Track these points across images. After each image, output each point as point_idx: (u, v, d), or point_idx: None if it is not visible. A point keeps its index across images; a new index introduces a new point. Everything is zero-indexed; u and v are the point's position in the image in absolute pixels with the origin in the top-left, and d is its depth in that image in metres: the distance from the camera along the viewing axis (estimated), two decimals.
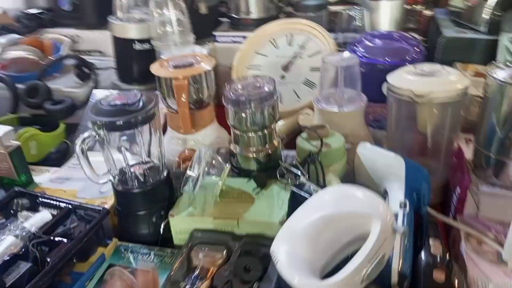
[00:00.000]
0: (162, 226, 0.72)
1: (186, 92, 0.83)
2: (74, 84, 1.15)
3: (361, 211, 0.56)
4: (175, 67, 0.88)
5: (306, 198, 0.70)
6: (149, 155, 0.75)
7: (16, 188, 0.77)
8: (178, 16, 1.03)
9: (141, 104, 0.67)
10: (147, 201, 0.72)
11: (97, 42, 1.35)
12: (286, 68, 1.06)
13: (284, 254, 0.55)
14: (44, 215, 0.70)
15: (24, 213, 0.71)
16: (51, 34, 1.33)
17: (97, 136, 0.68)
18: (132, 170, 0.75)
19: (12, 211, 0.73)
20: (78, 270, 0.67)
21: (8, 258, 0.63)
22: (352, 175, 0.79)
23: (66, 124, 1.05)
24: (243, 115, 0.74)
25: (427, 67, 0.79)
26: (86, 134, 0.68)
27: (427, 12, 1.37)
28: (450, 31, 1.13)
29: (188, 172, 0.73)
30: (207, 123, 0.92)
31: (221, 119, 0.86)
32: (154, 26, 1.04)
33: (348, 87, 0.84)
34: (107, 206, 0.75)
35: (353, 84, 0.84)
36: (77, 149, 0.68)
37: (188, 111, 0.85)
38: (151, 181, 0.73)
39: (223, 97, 0.77)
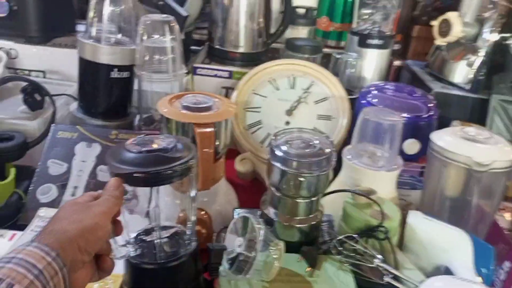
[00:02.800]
0: None
1: (213, 141, 0.67)
2: (21, 114, 0.89)
3: None
4: (188, 108, 0.71)
5: (372, 282, 0.60)
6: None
7: None
8: (172, 43, 0.86)
9: (178, 150, 0.52)
10: (173, 280, 0.55)
11: (41, 60, 1.09)
12: (290, 113, 0.95)
13: None
14: None
15: None
16: None
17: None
18: (155, 239, 0.57)
19: None
20: None
21: None
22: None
23: (15, 168, 0.80)
24: (299, 178, 0.61)
25: (472, 131, 0.74)
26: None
27: (396, 62, 1.38)
28: (437, 86, 1.13)
29: (231, 248, 0.57)
30: (218, 178, 0.76)
31: None
32: (141, 51, 0.86)
33: (389, 147, 0.76)
34: None
35: (393, 145, 0.76)
36: None
37: (211, 164, 0.69)
38: (181, 253, 0.56)
39: (269, 151, 0.63)
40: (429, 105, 0.93)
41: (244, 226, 0.60)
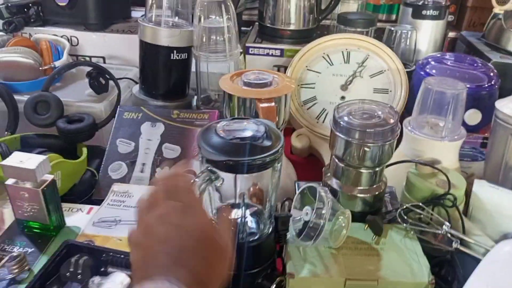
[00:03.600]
0: None
1: (274, 116, 0.69)
2: (88, 97, 0.95)
3: None
4: (249, 84, 0.73)
5: (440, 249, 0.60)
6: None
7: (68, 241, 0.57)
8: (228, 23, 0.88)
9: (268, 138, 0.52)
10: (255, 257, 0.57)
11: (100, 46, 1.14)
12: (345, 88, 0.95)
13: None
14: (121, 280, 0.53)
15: (96, 280, 0.52)
16: (42, 34, 1.10)
17: (213, 178, 0.51)
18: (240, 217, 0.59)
19: (68, 274, 0.54)
20: None
21: None
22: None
23: (87, 148, 0.85)
24: (364, 148, 0.62)
25: None
26: (202, 178, 0.50)
27: (451, 34, 1.34)
28: (495, 56, 1.09)
29: (298, 216, 0.59)
30: None
31: None
32: (198, 33, 0.88)
33: (452, 118, 0.75)
34: None
35: (456, 114, 0.75)
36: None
37: None
38: (261, 231, 0.58)
39: (332, 122, 0.64)
40: (490, 74, 0.90)
41: (310, 196, 0.61)
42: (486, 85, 0.88)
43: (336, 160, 0.67)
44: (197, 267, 0.37)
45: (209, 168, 0.50)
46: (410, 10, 1.12)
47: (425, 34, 1.13)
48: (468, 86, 0.87)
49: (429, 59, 0.94)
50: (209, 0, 0.86)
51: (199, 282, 0.37)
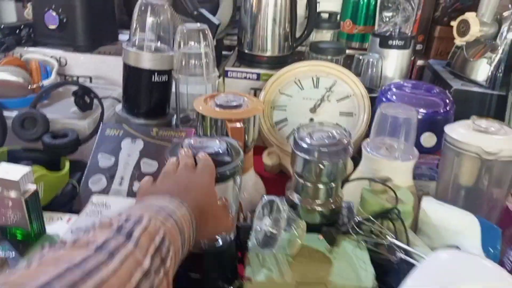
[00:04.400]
0: None
1: (242, 136, 0.76)
2: (73, 114, 1.01)
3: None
4: (221, 106, 0.80)
5: (385, 259, 0.67)
6: None
7: (48, 243, 0.63)
8: (206, 49, 0.95)
9: (229, 154, 0.59)
10: (216, 263, 0.63)
11: (87, 67, 1.21)
12: (313, 110, 1.02)
13: None
14: None
15: None
16: (32, 55, 1.17)
17: None
18: None
19: None
20: None
21: None
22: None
23: (69, 161, 0.90)
24: (320, 165, 0.69)
25: (484, 123, 0.80)
26: None
27: (419, 62, 1.43)
28: (457, 84, 1.18)
29: (259, 226, 0.65)
30: (247, 169, 0.85)
31: None
32: (178, 57, 0.95)
33: (404, 139, 0.82)
34: None
35: (408, 137, 0.82)
36: None
37: None
38: (223, 238, 0.64)
39: (292, 142, 0.71)
40: (446, 101, 0.98)
41: (270, 208, 0.68)
42: (442, 111, 0.96)
43: (297, 177, 0.73)
44: (197, 209, 0.52)
45: None
46: (377, 40, 1.21)
47: (392, 62, 1.22)
48: (424, 111, 0.96)
49: (391, 86, 1.02)
50: (189, 28, 0.94)
51: (198, 216, 0.51)
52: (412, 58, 1.39)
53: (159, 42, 1.00)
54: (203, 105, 0.79)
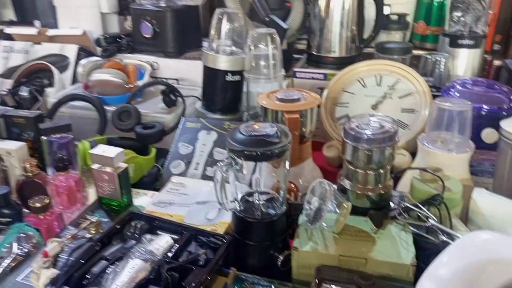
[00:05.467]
0: (280, 258, 0.71)
1: (298, 126, 0.84)
2: (160, 109, 1.17)
3: None
4: (281, 100, 0.89)
5: (429, 241, 0.71)
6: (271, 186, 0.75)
7: (133, 210, 0.77)
8: (273, 51, 1.05)
9: (278, 137, 0.68)
10: (268, 232, 0.72)
11: (175, 70, 1.38)
12: (375, 107, 1.07)
13: None
14: (167, 239, 0.70)
15: (148, 236, 0.71)
16: (130, 60, 1.36)
17: (233, 164, 0.68)
18: (256, 200, 0.75)
19: (129, 233, 0.73)
20: None
21: (141, 282, 0.62)
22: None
23: (155, 149, 1.06)
24: (366, 152, 0.75)
25: None
26: (225, 163, 0.68)
27: (496, 62, 1.40)
28: None
29: (307, 205, 0.73)
30: (305, 158, 0.93)
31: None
32: (249, 59, 1.07)
33: (459, 133, 0.84)
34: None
35: (463, 130, 0.85)
36: (218, 176, 0.68)
37: (297, 145, 0.86)
38: (275, 212, 0.73)
39: (343, 132, 0.77)
40: (511, 97, 0.97)
41: (320, 189, 0.75)
42: (506, 107, 0.96)
43: (347, 164, 0.80)
44: None
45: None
46: (447, 39, 1.22)
47: (462, 62, 1.22)
48: (487, 107, 0.96)
49: (455, 83, 1.04)
50: (258, 32, 1.05)
51: None
52: (490, 58, 1.37)
53: (233, 47, 1.12)
54: (266, 99, 0.89)
